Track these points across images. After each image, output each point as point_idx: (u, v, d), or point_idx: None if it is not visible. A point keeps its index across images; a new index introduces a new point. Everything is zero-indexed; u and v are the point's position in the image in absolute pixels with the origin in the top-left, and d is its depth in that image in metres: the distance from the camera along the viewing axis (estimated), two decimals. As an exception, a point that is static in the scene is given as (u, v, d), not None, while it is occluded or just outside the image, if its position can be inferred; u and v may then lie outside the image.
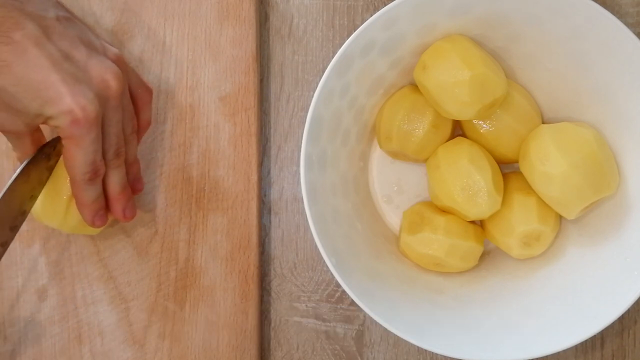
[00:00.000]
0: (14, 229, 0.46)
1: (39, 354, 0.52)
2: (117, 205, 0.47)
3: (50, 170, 0.47)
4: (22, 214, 0.46)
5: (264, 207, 0.53)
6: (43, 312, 0.52)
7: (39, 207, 0.47)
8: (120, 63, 0.45)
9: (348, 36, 0.44)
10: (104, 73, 0.43)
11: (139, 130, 0.49)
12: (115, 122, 0.45)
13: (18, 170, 0.45)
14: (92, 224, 0.46)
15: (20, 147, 0.46)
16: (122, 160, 0.46)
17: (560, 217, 0.49)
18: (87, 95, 0.42)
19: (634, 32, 0.43)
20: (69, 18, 0.44)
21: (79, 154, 0.43)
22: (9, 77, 0.40)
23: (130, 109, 0.47)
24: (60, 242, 0.52)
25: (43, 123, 0.43)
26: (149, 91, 0.49)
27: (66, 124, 0.41)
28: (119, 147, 0.46)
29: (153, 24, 0.53)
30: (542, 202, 0.47)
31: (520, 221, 0.47)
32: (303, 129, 0.44)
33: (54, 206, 0.47)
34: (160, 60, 0.52)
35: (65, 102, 0.41)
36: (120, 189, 0.47)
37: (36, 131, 0.46)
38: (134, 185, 0.49)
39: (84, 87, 0.42)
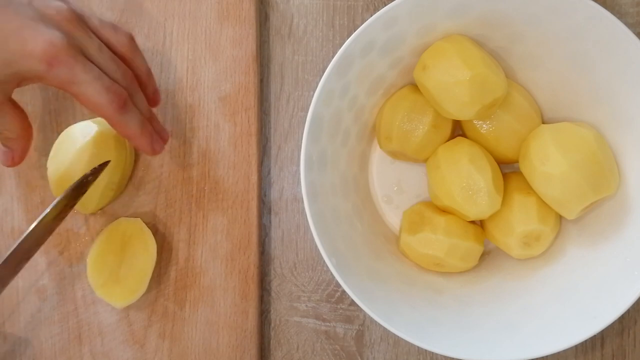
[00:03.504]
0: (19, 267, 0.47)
1: (39, 354, 0.52)
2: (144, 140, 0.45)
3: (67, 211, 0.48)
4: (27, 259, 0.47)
5: (264, 207, 0.53)
6: (43, 312, 0.52)
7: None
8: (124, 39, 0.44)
9: (348, 36, 0.44)
10: (50, 6, 0.40)
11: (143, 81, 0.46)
12: (96, 47, 0.42)
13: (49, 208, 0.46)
14: (154, 152, 0.45)
15: (3, 124, 0.43)
16: (134, 83, 0.44)
17: (560, 217, 0.49)
18: (48, 31, 0.39)
19: (634, 32, 0.43)
20: None
21: (86, 89, 0.40)
22: None
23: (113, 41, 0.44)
24: (60, 242, 0.52)
25: (24, 83, 0.41)
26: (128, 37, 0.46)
27: (45, 68, 0.39)
28: (122, 70, 0.43)
29: (153, 24, 0.53)
30: (542, 202, 0.47)
31: (520, 221, 0.47)
32: (303, 129, 0.44)
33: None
34: (160, 60, 0.52)
35: (31, 47, 0.38)
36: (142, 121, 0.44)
37: (16, 107, 0.43)
38: (160, 134, 0.47)
39: (41, 25, 0.39)
